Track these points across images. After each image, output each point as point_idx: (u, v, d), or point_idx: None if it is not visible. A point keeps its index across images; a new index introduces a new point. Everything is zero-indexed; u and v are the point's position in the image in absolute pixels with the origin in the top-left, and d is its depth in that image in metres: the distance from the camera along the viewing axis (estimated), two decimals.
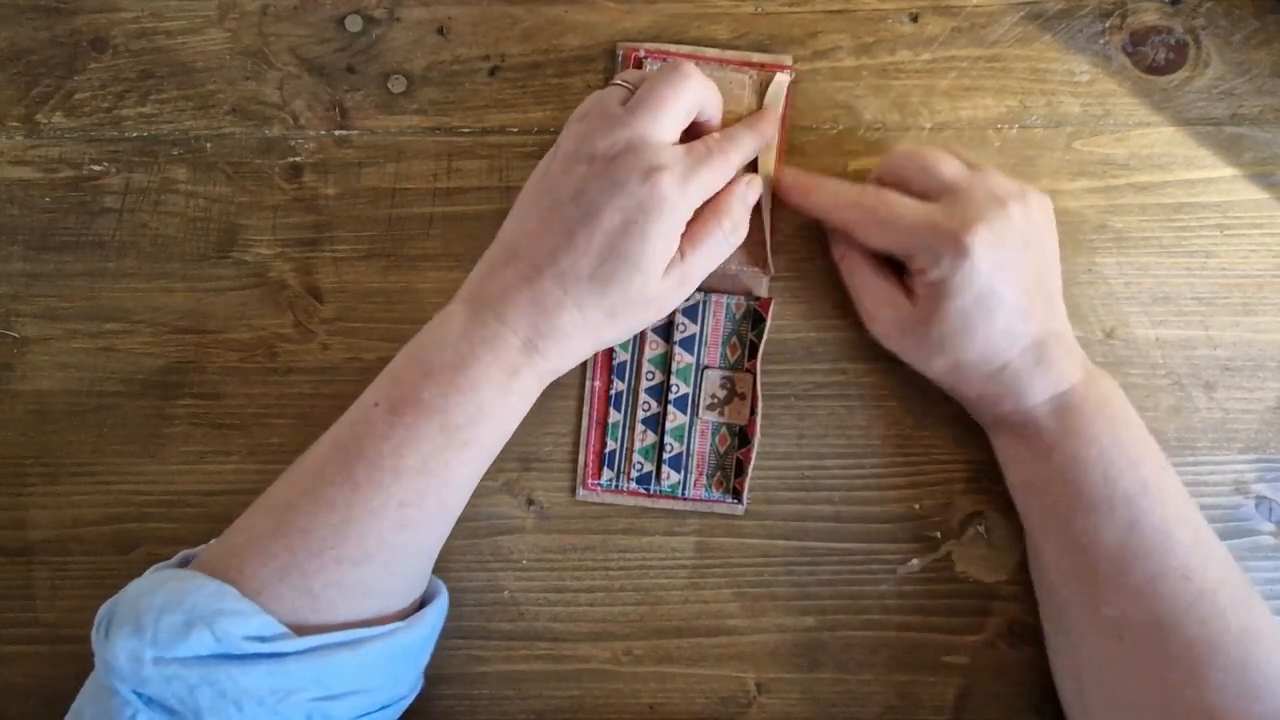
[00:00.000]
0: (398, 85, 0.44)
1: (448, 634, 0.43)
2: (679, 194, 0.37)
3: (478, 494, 0.43)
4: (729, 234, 0.39)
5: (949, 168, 0.39)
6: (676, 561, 0.43)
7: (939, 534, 0.43)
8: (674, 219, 0.37)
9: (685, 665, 0.43)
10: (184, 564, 0.37)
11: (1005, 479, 0.41)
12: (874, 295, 0.41)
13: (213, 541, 0.38)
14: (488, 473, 0.43)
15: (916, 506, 0.43)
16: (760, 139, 0.40)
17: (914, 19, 0.43)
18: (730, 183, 0.40)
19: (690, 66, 0.38)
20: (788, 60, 0.43)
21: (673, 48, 0.43)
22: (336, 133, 0.44)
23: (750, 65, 0.43)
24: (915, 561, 0.43)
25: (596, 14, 0.44)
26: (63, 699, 0.44)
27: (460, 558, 0.43)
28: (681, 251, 0.38)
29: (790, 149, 0.43)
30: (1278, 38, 0.43)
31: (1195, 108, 0.43)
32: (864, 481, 0.43)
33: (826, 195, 0.40)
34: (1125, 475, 0.37)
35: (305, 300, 0.44)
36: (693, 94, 0.38)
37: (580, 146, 0.37)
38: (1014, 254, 0.37)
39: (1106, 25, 0.43)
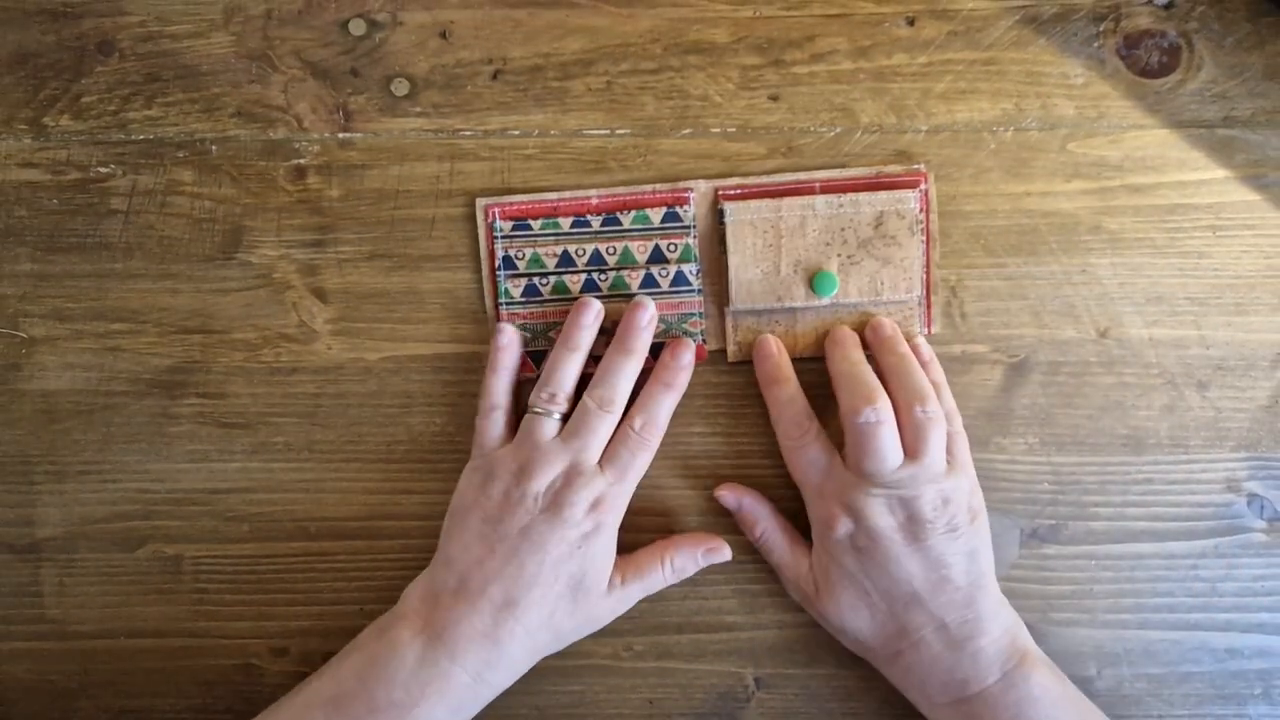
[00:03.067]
0: (401, 88, 0.44)
1: None
2: (616, 513, 0.41)
3: None
4: (668, 576, 0.42)
5: (875, 462, 0.39)
6: None
7: None
8: (612, 534, 0.41)
9: (685, 661, 0.44)
10: None
11: None
12: (791, 569, 0.42)
13: None
14: None
15: None
16: (676, 394, 0.42)
17: (910, 23, 0.44)
18: (686, 539, 0.43)
19: (653, 436, 0.41)
20: (922, 168, 0.43)
21: (535, 198, 0.44)
22: (340, 135, 0.44)
23: (880, 186, 0.43)
24: None
25: (597, 18, 0.44)
26: (69, 695, 0.44)
27: None
28: (622, 575, 0.41)
29: (789, 151, 0.44)
30: (1269, 41, 0.44)
31: (1188, 110, 0.44)
32: None
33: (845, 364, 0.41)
34: None
35: (309, 301, 0.44)
36: (616, 418, 0.41)
37: (520, 483, 0.40)
38: (893, 548, 0.39)
39: (1101, 29, 0.44)
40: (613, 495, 0.40)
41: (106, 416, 0.44)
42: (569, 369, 0.41)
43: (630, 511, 0.43)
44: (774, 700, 0.44)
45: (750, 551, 0.44)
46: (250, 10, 0.44)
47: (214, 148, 0.44)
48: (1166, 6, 0.44)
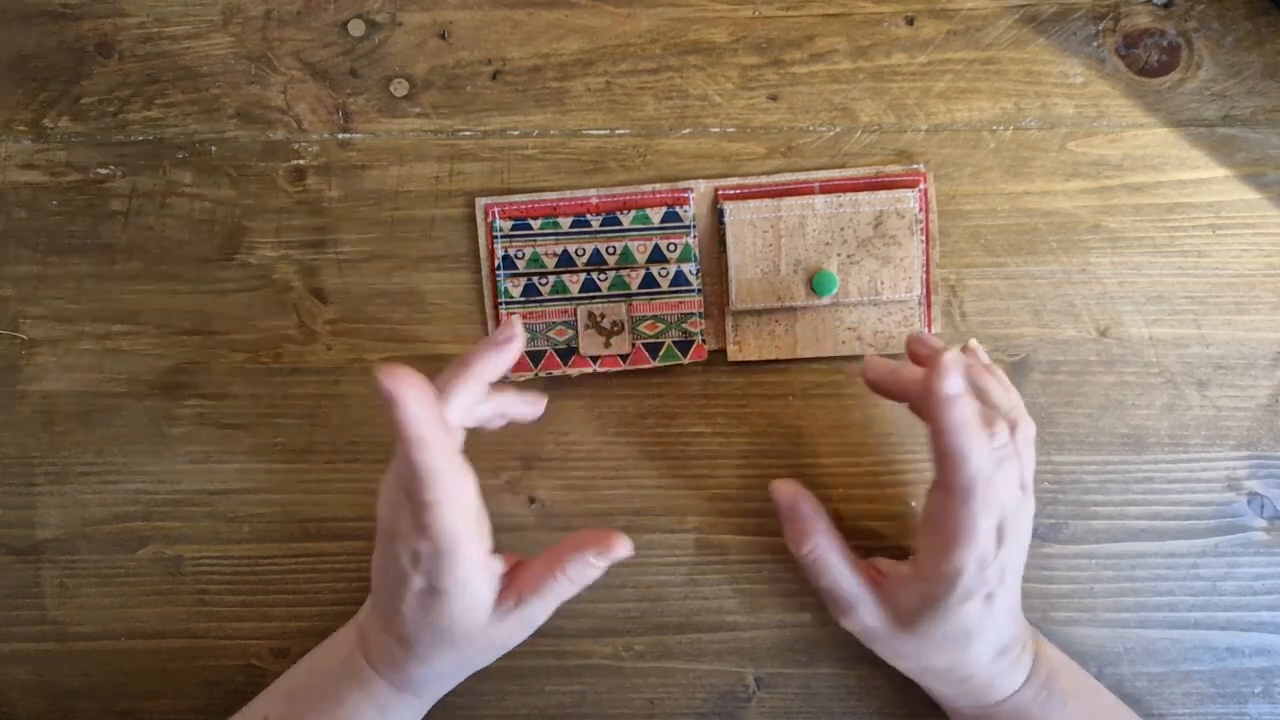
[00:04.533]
0: (400, 89, 0.44)
1: None
2: (450, 570, 0.35)
3: (480, 493, 0.43)
4: (567, 585, 0.38)
5: (1011, 496, 0.36)
6: (676, 558, 0.44)
7: None
8: (456, 585, 0.35)
9: (685, 661, 0.44)
10: None
11: None
12: (848, 596, 0.38)
13: None
14: (490, 471, 0.43)
15: (914, 503, 0.44)
16: (490, 370, 0.37)
17: (910, 22, 0.44)
18: (573, 542, 0.38)
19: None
20: (922, 168, 0.43)
21: (535, 198, 0.43)
22: (340, 136, 0.44)
23: (879, 185, 0.43)
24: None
25: (597, 18, 0.44)
26: (70, 697, 0.44)
27: None
28: (517, 596, 0.37)
29: (788, 151, 0.44)
30: (1269, 39, 0.44)
31: (1188, 109, 0.44)
32: (862, 479, 0.44)
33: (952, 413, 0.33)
34: None
35: (309, 302, 0.44)
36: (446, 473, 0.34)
37: (382, 526, 0.37)
38: (1006, 589, 0.37)
39: (1100, 28, 0.44)
40: (433, 553, 0.35)
41: (107, 418, 0.44)
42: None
43: (630, 512, 0.43)
44: (775, 700, 0.44)
45: (750, 551, 0.44)
46: (249, 11, 0.44)
47: (213, 149, 0.44)
48: (1165, 5, 0.44)
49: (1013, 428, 0.36)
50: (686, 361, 0.43)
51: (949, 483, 0.33)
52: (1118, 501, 0.44)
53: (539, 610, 0.38)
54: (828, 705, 0.44)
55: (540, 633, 0.43)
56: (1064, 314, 0.44)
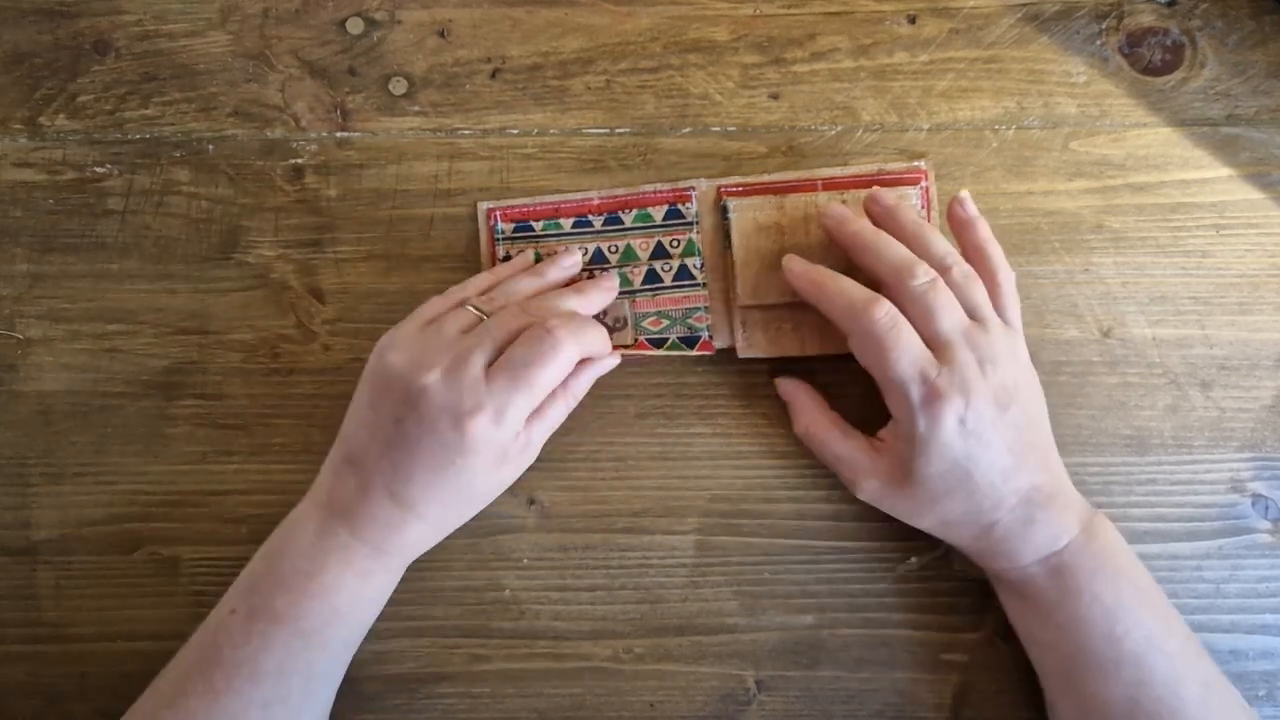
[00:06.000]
0: (399, 87, 0.44)
1: (448, 632, 0.43)
2: (492, 435, 0.37)
3: None
4: (570, 404, 0.41)
5: (947, 319, 0.37)
6: (676, 560, 0.44)
7: None
8: (491, 456, 0.37)
9: (685, 663, 0.44)
10: None
11: (1014, 630, 0.41)
12: (850, 464, 0.40)
13: None
14: None
15: None
16: (582, 302, 0.40)
17: (912, 20, 0.44)
18: (583, 365, 0.40)
19: (563, 335, 0.37)
20: (923, 165, 0.43)
21: (537, 200, 0.43)
22: (338, 134, 0.44)
23: (881, 183, 0.42)
24: (914, 559, 0.43)
25: (596, 16, 0.44)
26: (65, 699, 0.44)
27: (461, 557, 0.43)
28: (526, 427, 0.39)
29: (789, 150, 0.44)
30: (1273, 39, 0.43)
31: (1191, 108, 0.43)
32: None
33: (833, 291, 0.39)
34: (1130, 633, 0.37)
35: (307, 301, 0.44)
36: (561, 369, 0.38)
37: (410, 373, 0.37)
38: (992, 421, 0.37)
39: (1103, 26, 0.43)
40: (493, 411, 0.37)
41: (103, 418, 0.44)
42: (520, 285, 0.41)
43: (630, 513, 0.43)
44: (775, 702, 0.43)
45: (750, 553, 0.44)
46: (247, 9, 0.44)
47: (211, 147, 0.44)
48: (1169, 4, 0.43)
49: (944, 269, 0.38)
50: (694, 353, 0.43)
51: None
52: (1121, 503, 0.43)
53: (540, 432, 0.40)
54: (828, 708, 0.43)
55: (539, 634, 0.43)
56: (1067, 314, 0.43)
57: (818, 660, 0.43)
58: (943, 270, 0.38)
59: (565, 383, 0.40)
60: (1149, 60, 0.43)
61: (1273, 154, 0.43)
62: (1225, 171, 0.43)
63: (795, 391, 0.43)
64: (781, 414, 0.44)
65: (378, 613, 0.40)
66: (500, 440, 0.37)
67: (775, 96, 0.44)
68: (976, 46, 0.43)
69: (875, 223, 0.40)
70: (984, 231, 0.40)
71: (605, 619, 0.44)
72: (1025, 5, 0.43)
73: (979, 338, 0.37)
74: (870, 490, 0.40)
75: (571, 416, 0.44)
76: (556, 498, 0.44)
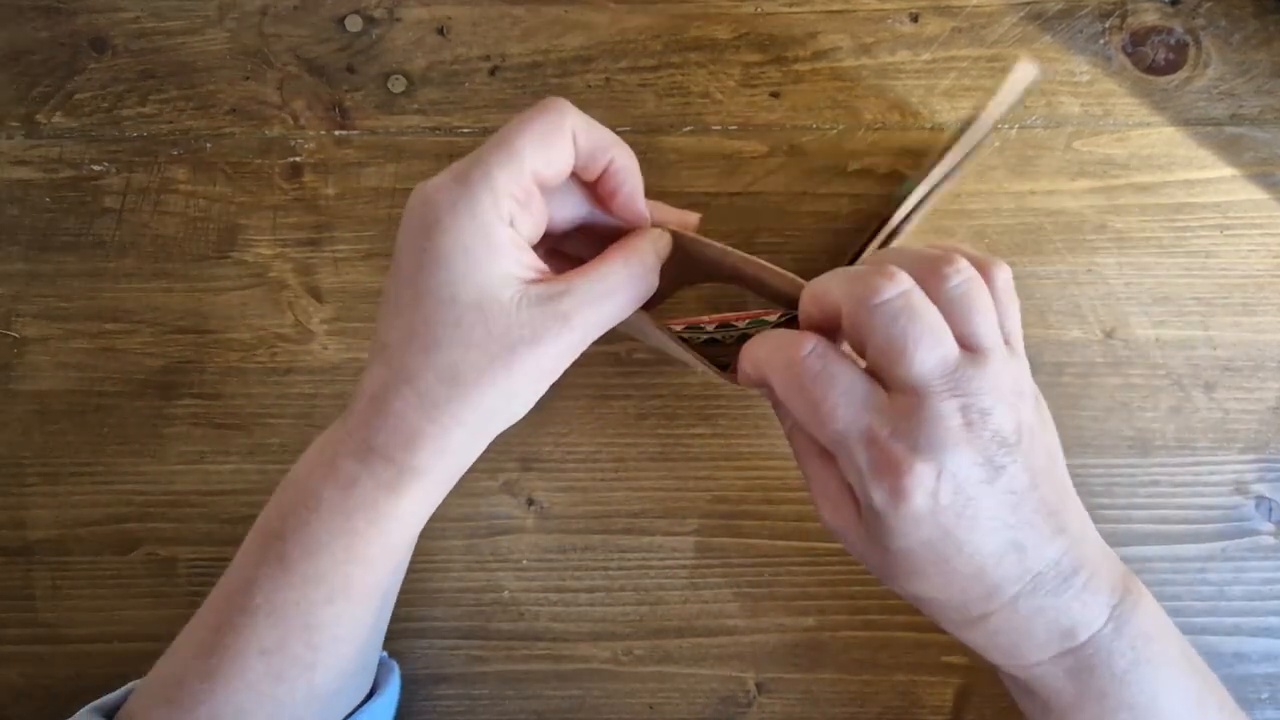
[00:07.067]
0: (398, 85, 0.44)
1: (447, 634, 0.43)
2: (461, 189, 0.29)
3: (478, 494, 0.43)
4: (639, 275, 0.31)
5: (926, 355, 0.28)
6: (677, 561, 0.43)
7: None
8: (463, 222, 0.29)
9: (685, 665, 0.43)
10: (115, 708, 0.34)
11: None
12: (820, 491, 0.32)
13: (146, 679, 0.34)
14: (487, 472, 0.43)
15: None
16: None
17: (914, 19, 0.43)
18: (637, 231, 0.33)
19: (568, 106, 0.31)
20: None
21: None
22: (336, 133, 0.44)
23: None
24: None
25: (597, 14, 0.44)
26: (62, 699, 0.44)
27: (460, 557, 0.43)
28: (567, 280, 0.30)
29: (790, 149, 0.43)
30: (1277, 38, 0.43)
31: (1195, 108, 0.43)
32: None
33: (765, 350, 0.31)
34: None
35: (305, 300, 0.44)
36: (553, 137, 0.30)
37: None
38: (981, 490, 0.28)
39: (1106, 25, 0.43)
40: (454, 170, 0.30)
41: (100, 417, 0.44)
42: None
43: (630, 514, 0.43)
44: (775, 705, 0.43)
45: (751, 554, 0.43)
46: (245, 6, 0.44)
47: (209, 145, 0.44)
48: (1173, 3, 0.43)
49: (936, 278, 0.29)
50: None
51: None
52: (1123, 505, 0.43)
53: (588, 297, 0.30)
54: (829, 711, 0.43)
55: (538, 636, 0.43)
56: (1069, 315, 0.43)
57: (818, 662, 0.43)
58: (934, 278, 0.29)
59: (623, 243, 0.32)
60: (1152, 59, 0.43)
61: (1277, 154, 0.43)
62: (1229, 171, 0.43)
63: (777, 400, 0.34)
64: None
65: (385, 571, 0.32)
66: (478, 216, 0.29)
67: (776, 95, 0.43)
68: (979, 45, 0.43)
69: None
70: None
71: (605, 620, 0.43)
72: (1028, 4, 0.43)
73: (971, 379, 0.28)
74: (832, 529, 0.32)
75: (571, 417, 0.43)
76: (556, 499, 0.44)
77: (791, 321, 0.35)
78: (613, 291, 0.31)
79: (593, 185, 0.34)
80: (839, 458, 0.29)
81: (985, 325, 0.29)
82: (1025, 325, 0.43)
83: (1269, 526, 0.43)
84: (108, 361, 0.44)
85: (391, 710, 0.37)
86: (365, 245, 0.44)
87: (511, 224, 0.30)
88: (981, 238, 0.43)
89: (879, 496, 0.28)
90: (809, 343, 0.29)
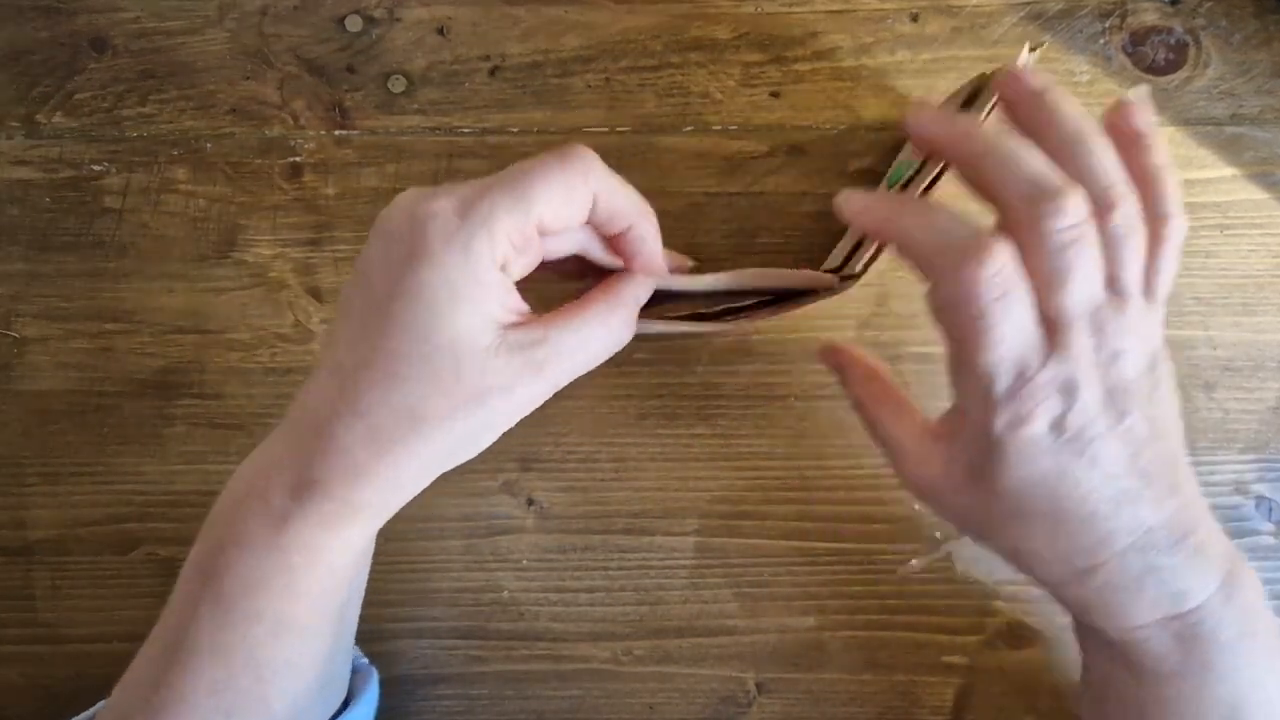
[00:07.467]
0: (398, 85, 0.44)
1: (446, 634, 0.43)
2: (458, 222, 0.27)
3: (478, 494, 0.43)
4: (615, 328, 0.30)
5: (1079, 290, 0.27)
6: (676, 561, 0.43)
7: (939, 534, 0.43)
8: (453, 259, 0.27)
9: (685, 665, 0.43)
10: None
11: (1083, 677, 0.34)
12: (898, 451, 0.32)
13: (105, 706, 0.33)
14: (487, 472, 0.43)
15: (917, 507, 0.43)
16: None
17: (914, 19, 0.43)
18: (625, 273, 0.32)
19: (591, 156, 0.30)
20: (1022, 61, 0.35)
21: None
22: (336, 133, 0.44)
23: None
24: (916, 561, 0.43)
25: (597, 13, 0.44)
26: (61, 699, 0.44)
27: (460, 557, 0.43)
28: (544, 324, 0.29)
29: (790, 149, 0.43)
30: (1278, 38, 0.43)
31: (1195, 108, 0.43)
32: (864, 482, 0.43)
33: (919, 224, 0.29)
34: (1252, 717, 0.29)
35: (305, 300, 0.44)
36: (569, 190, 0.29)
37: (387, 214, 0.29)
38: (1103, 430, 0.28)
39: (1106, 25, 0.43)
40: (460, 197, 0.28)
41: (100, 417, 0.44)
42: None
43: (629, 514, 0.43)
44: (775, 705, 0.43)
45: (751, 554, 0.43)
46: (245, 6, 0.44)
47: (209, 145, 0.44)
48: (1173, 3, 0.43)
49: (1106, 208, 0.27)
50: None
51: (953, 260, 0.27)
52: None
53: (566, 347, 0.29)
54: (829, 711, 0.43)
55: (537, 636, 0.43)
56: None
57: (819, 663, 0.43)
58: (1104, 208, 0.27)
59: (607, 287, 0.30)
60: (1152, 59, 0.43)
61: (1277, 154, 0.43)
62: (1229, 171, 0.43)
63: (846, 357, 0.35)
64: (782, 415, 0.43)
65: (335, 604, 0.31)
66: (472, 256, 0.27)
67: (776, 95, 0.43)
68: (979, 45, 0.43)
69: (1014, 116, 0.30)
70: (1158, 155, 0.29)
71: (604, 620, 0.43)
72: (1028, 4, 0.43)
73: (1110, 320, 0.28)
74: (917, 489, 0.32)
75: (571, 417, 0.43)
76: (555, 499, 0.44)
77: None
78: (587, 342, 0.30)
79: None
80: (965, 382, 0.28)
81: (1132, 270, 0.28)
82: None
83: (1269, 526, 0.43)
84: (108, 361, 0.44)
85: (369, 716, 0.36)
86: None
87: (503, 268, 0.28)
88: None
89: (1004, 421, 0.27)
90: (996, 260, 0.26)
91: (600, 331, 0.30)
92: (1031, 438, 0.28)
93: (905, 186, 0.35)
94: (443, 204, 0.27)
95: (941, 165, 0.33)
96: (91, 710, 0.35)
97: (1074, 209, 0.26)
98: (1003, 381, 0.27)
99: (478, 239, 0.27)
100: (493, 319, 0.28)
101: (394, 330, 0.27)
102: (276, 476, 0.28)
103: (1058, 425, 0.27)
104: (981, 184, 0.28)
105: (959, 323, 0.27)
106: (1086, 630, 0.32)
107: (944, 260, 0.27)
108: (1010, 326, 0.27)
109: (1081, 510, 0.28)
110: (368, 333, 0.27)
